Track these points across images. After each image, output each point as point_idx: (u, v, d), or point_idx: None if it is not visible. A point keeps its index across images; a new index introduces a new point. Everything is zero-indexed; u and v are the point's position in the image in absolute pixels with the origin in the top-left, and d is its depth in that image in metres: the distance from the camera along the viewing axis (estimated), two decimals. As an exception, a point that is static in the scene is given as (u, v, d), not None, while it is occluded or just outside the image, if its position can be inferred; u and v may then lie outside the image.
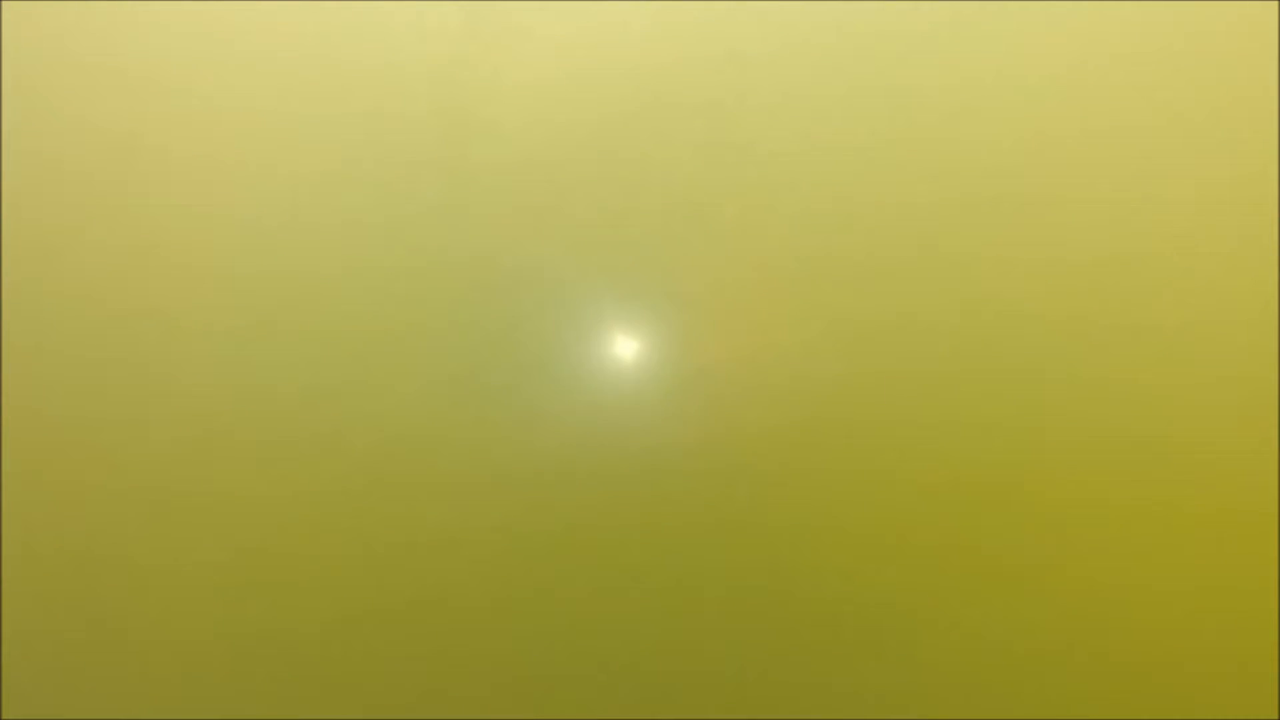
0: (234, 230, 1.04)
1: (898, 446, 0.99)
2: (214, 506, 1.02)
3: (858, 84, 1.01)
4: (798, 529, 0.98)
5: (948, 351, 0.99)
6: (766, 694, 0.98)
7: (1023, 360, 0.99)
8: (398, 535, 1.01)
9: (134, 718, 1.00)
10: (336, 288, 1.03)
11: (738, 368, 1.00)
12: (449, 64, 1.03)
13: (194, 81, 1.05)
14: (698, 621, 0.99)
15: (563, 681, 1.00)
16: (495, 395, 1.01)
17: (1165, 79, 0.99)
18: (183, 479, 1.02)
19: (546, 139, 1.02)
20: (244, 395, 1.02)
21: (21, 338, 1.03)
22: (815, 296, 1.00)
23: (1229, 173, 0.98)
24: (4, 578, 1.01)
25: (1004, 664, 0.97)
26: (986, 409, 0.99)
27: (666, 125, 1.02)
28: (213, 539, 1.02)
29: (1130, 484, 0.97)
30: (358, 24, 1.04)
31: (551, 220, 1.02)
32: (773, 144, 1.01)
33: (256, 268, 1.03)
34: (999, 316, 0.99)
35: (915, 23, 1.01)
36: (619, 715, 0.98)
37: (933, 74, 1.01)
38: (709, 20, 1.02)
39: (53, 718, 1.01)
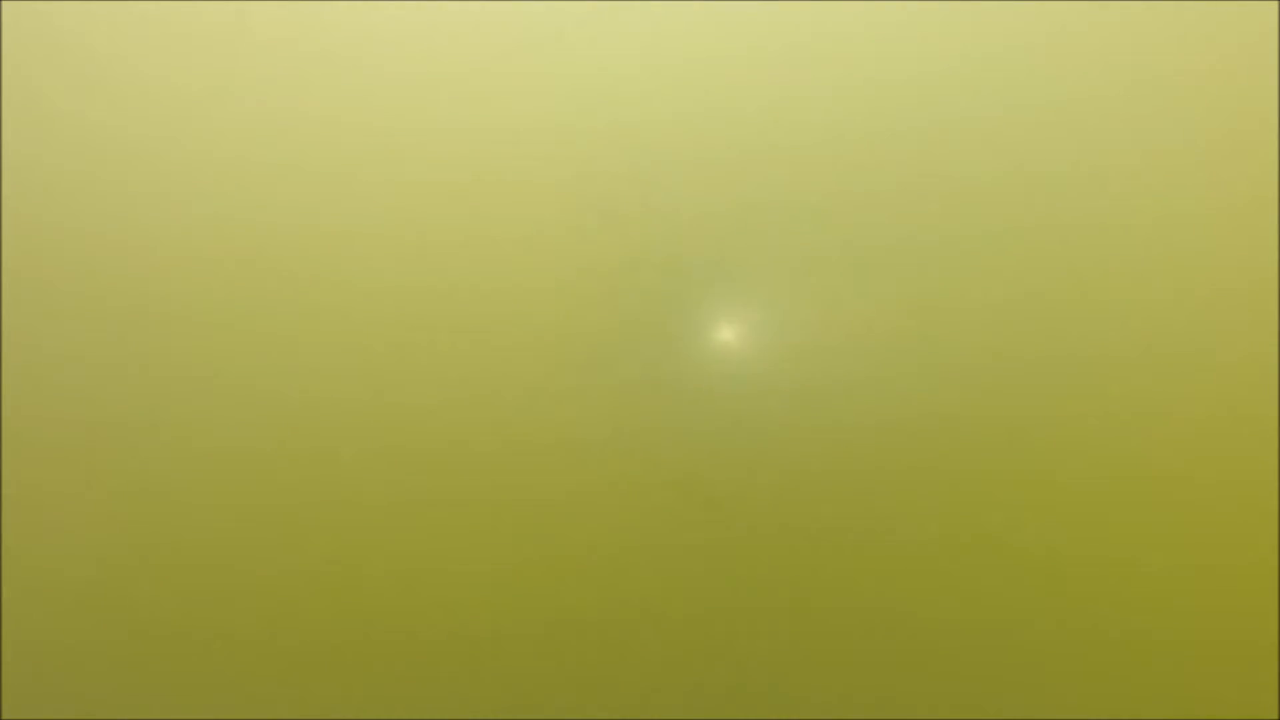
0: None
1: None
2: (217, 507, 1.02)
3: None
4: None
5: (945, 345, 1.00)
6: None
7: (1025, 356, 0.99)
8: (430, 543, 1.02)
9: (134, 718, 1.00)
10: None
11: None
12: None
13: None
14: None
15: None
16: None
17: (1165, 79, 0.99)
18: (189, 479, 1.02)
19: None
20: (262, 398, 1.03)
21: (22, 337, 1.03)
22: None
23: (1229, 172, 0.98)
24: (4, 578, 1.02)
25: (1004, 663, 0.97)
26: (991, 406, 0.99)
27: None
28: (219, 539, 1.02)
29: (1131, 483, 0.98)
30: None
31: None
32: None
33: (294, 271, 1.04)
34: (1002, 313, 1.00)
35: (916, 21, 1.01)
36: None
37: (933, 71, 1.01)
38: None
39: (53, 718, 1.01)
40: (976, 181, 1.00)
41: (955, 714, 0.97)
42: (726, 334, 1.02)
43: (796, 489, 1.00)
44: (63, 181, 1.05)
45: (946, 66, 1.01)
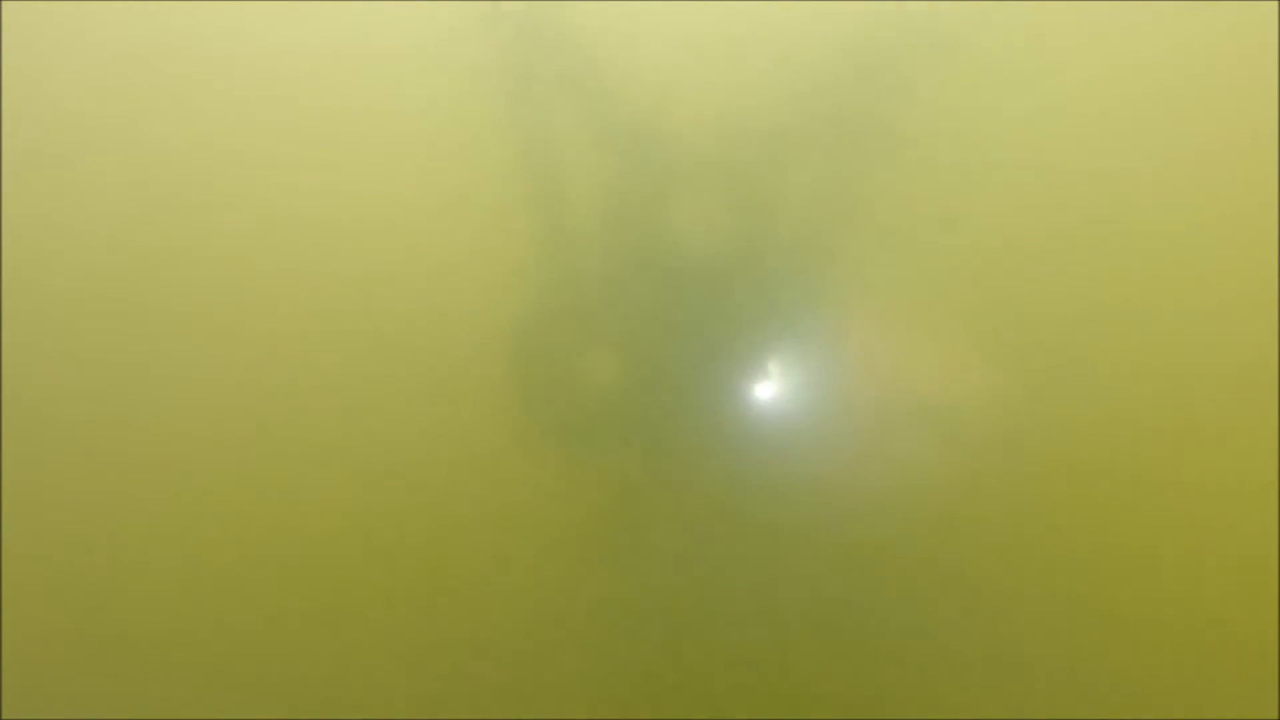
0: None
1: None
2: (218, 507, 1.02)
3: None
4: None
5: (941, 345, 1.00)
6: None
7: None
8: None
9: (134, 717, 1.00)
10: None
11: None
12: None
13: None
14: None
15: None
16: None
17: (1165, 79, 0.99)
18: (190, 479, 1.02)
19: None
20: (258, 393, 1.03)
21: (23, 336, 1.03)
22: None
23: (1229, 172, 0.98)
24: (4, 578, 1.02)
25: (1004, 663, 0.97)
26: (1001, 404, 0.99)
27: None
28: (219, 539, 1.02)
29: (1131, 484, 0.98)
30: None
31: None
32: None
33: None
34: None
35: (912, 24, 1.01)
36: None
37: (929, 73, 1.01)
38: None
39: (53, 718, 1.01)
40: (964, 185, 1.01)
41: (956, 713, 0.97)
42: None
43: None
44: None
45: (941, 69, 1.01)
